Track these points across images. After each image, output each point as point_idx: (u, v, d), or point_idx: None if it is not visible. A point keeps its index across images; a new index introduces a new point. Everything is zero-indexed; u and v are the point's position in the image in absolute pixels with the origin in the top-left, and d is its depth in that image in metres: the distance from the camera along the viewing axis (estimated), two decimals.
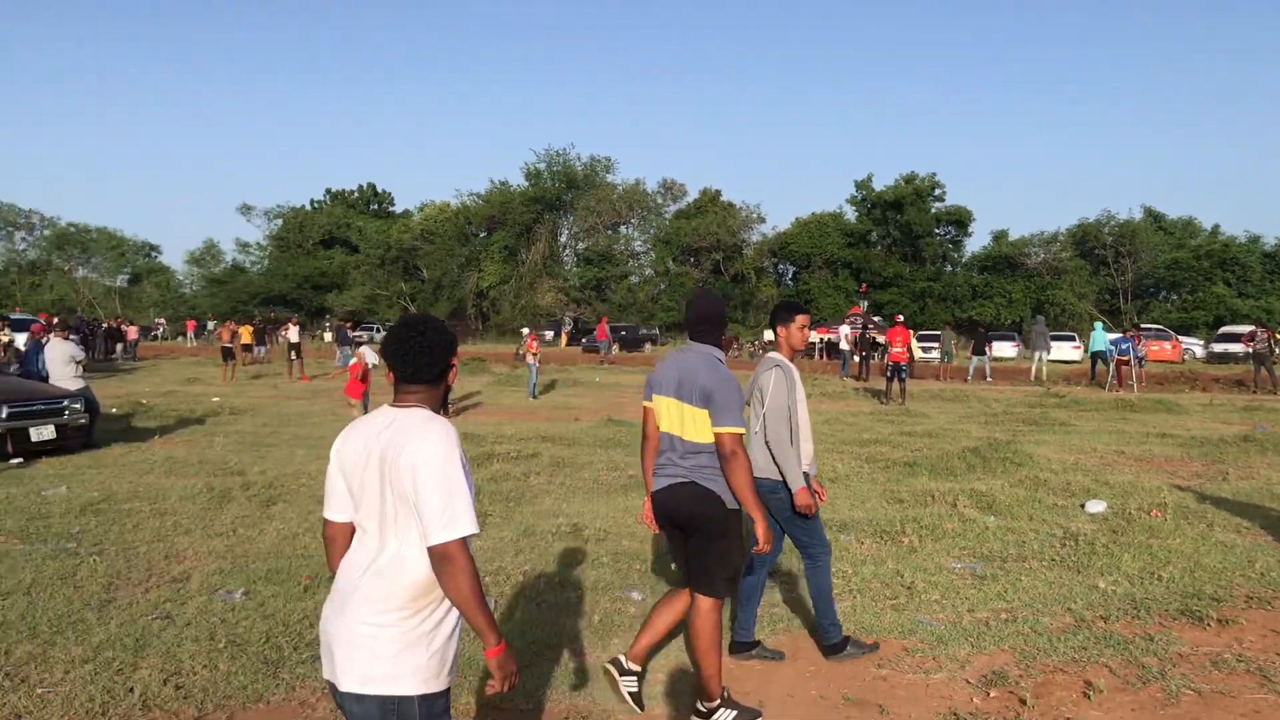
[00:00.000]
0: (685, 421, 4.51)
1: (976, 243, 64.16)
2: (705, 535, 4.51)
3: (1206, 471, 11.95)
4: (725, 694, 4.68)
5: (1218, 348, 40.85)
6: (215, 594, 6.37)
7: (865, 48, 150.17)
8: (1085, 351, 33.51)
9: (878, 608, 6.46)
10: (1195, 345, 44.41)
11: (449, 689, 2.78)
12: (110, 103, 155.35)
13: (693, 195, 68.96)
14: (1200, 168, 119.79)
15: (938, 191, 60.76)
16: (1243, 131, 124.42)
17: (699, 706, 4.66)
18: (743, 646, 5.58)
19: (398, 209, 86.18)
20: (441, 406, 2.96)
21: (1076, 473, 11.36)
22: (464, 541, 2.62)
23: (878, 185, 62.29)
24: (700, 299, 4.79)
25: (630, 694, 4.72)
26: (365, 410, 16.36)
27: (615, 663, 4.77)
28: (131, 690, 4.76)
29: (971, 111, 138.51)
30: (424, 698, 2.67)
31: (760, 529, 4.49)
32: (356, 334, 42.60)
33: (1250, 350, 27.79)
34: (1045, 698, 4.92)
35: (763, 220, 66.67)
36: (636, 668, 4.78)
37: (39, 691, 4.74)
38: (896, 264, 60.51)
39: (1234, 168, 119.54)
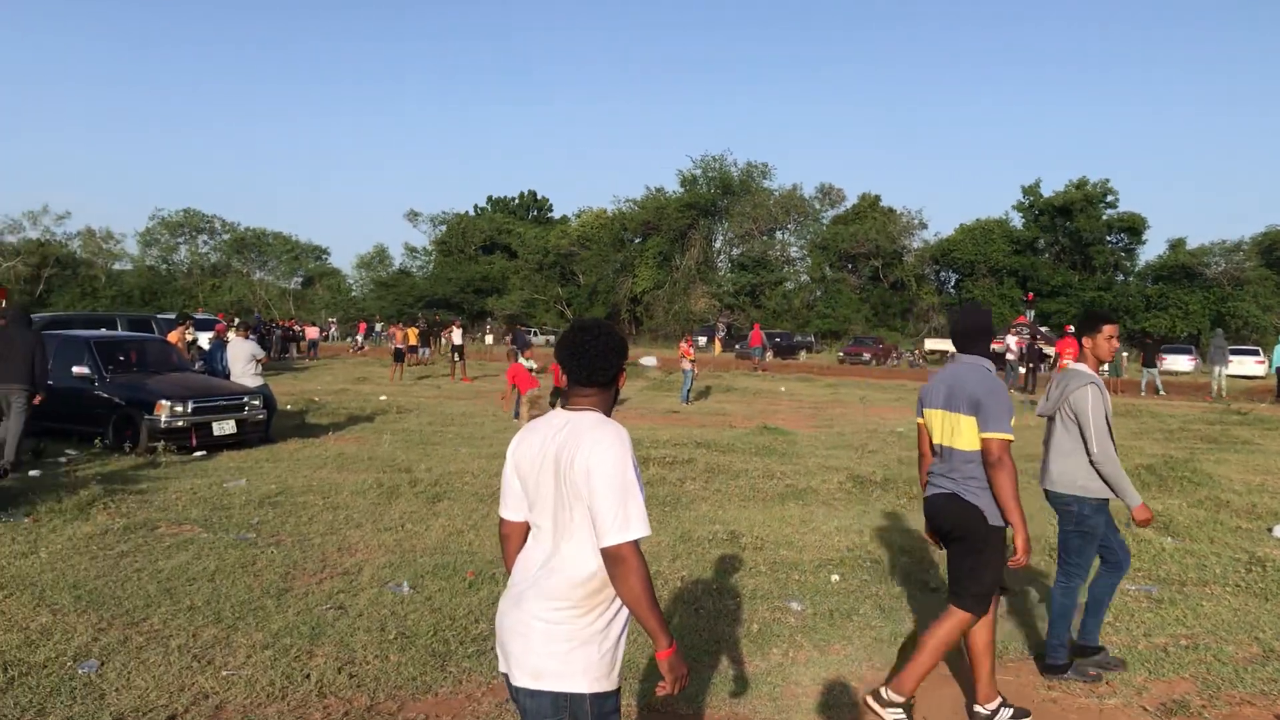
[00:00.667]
0: (954, 430, 4.61)
1: (1151, 251, 61.49)
2: (963, 548, 4.59)
3: None
4: (1003, 699, 4.75)
5: None
6: (385, 587, 6.59)
7: (1034, 46, 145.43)
8: (1269, 367, 31.64)
9: (1045, 626, 6.22)
10: None
11: (619, 689, 2.80)
12: (286, 111, 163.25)
13: (851, 200, 68.15)
14: None
15: (1110, 198, 58.31)
16: None
17: (976, 708, 4.74)
18: (1057, 669, 5.38)
19: (556, 215, 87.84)
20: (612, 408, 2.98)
21: (1263, 494, 10.72)
22: (636, 543, 2.63)
23: (1046, 191, 60.22)
24: (968, 312, 4.90)
25: (1015, 715, 4.71)
26: (516, 413, 16.78)
27: (975, 715, 4.76)
28: (308, 677, 4.97)
29: (1148, 113, 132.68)
30: (596, 696, 2.69)
31: (1020, 539, 4.45)
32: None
33: None
34: None
35: (924, 226, 65.35)
36: (994, 705, 4.73)
37: (224, 674, 4.99)
38: (1065, 272, 58.32)
39: None
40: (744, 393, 26.09)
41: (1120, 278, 59.99)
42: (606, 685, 2.72)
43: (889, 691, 4.65)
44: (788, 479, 11.25)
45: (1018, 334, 30.14)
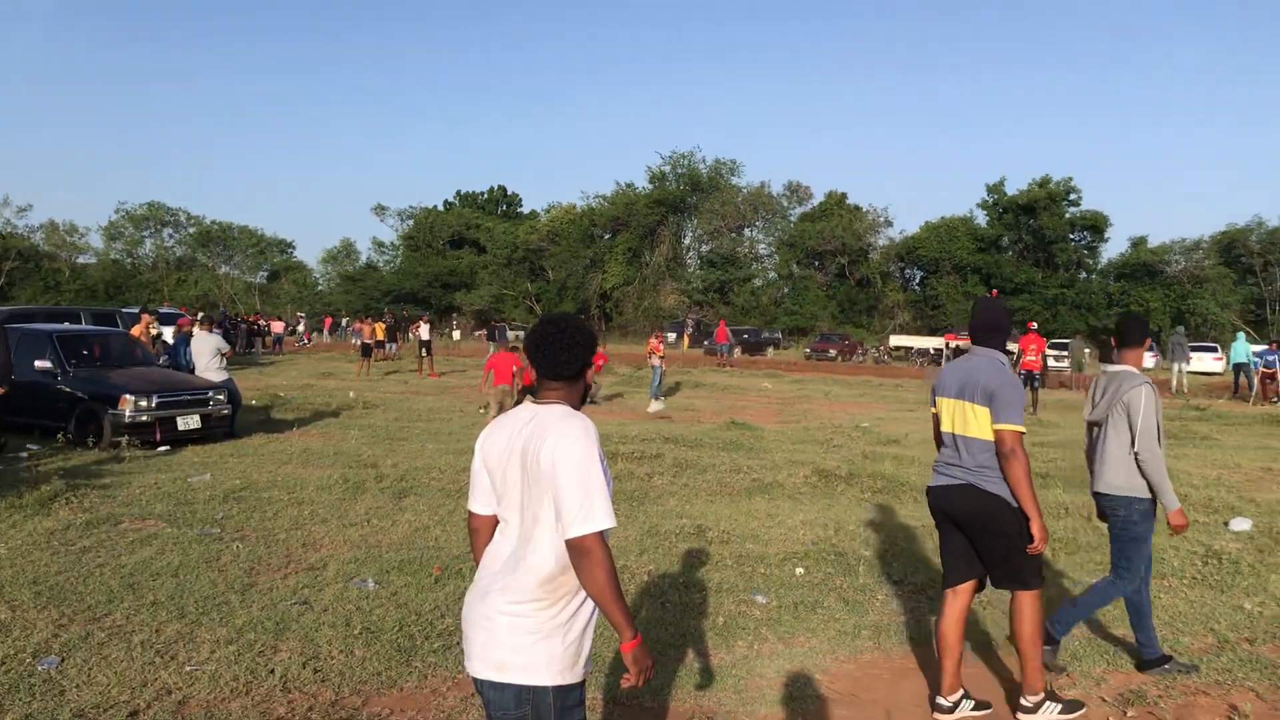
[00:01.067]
0: (967, 419, 4.72)
1: (1113, 249, 62.02)
2: (998, 535, 4.66)
3: None
4: (1049, 688, 4.84)
5: None
6: (350, 582, 6.57)
7: (999, 46, 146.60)
8: (1228, 363, 32.11)
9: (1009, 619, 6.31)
10: None
11: (583, 682, 2.82)
12: (252, 104, 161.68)
13: (818, 198, 68.35)
14: None
15: (1073, 196, 58.82)
16: None
17: (1023, 701, 4.80)
18: (1154, 663, 5.46)
19: (525, 211, 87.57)
20: (581, 402, 3.00)
21: (1220, 488, 10.90)
22: (601, 535, 2.65)
23: (1010, 189, 60.65)
24: (986, 306, 5.04)
25: (974, 708, 4.85)
26: (486, 406, 16.76)
27: (938, 708, 4.85)
28: (273, 672, 4.96)
29: (1110, 113, 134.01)
30: (559, 689, 2.71)
31: (1036, 527, 4.55)
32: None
33: None
34: None
35: (890, 224, 65.67)
36: (957, 695, 4.84)
37: (187, 669, 4.96)
38: (1028, 270, 58.84)
39: None
40: (712, 388, 26.17)
41: (1083, 275, 60.56)
42: (570, 678, 2.74)
43: (1027, 697, 4.76)
44: (754, 473, 11.32)
45: None
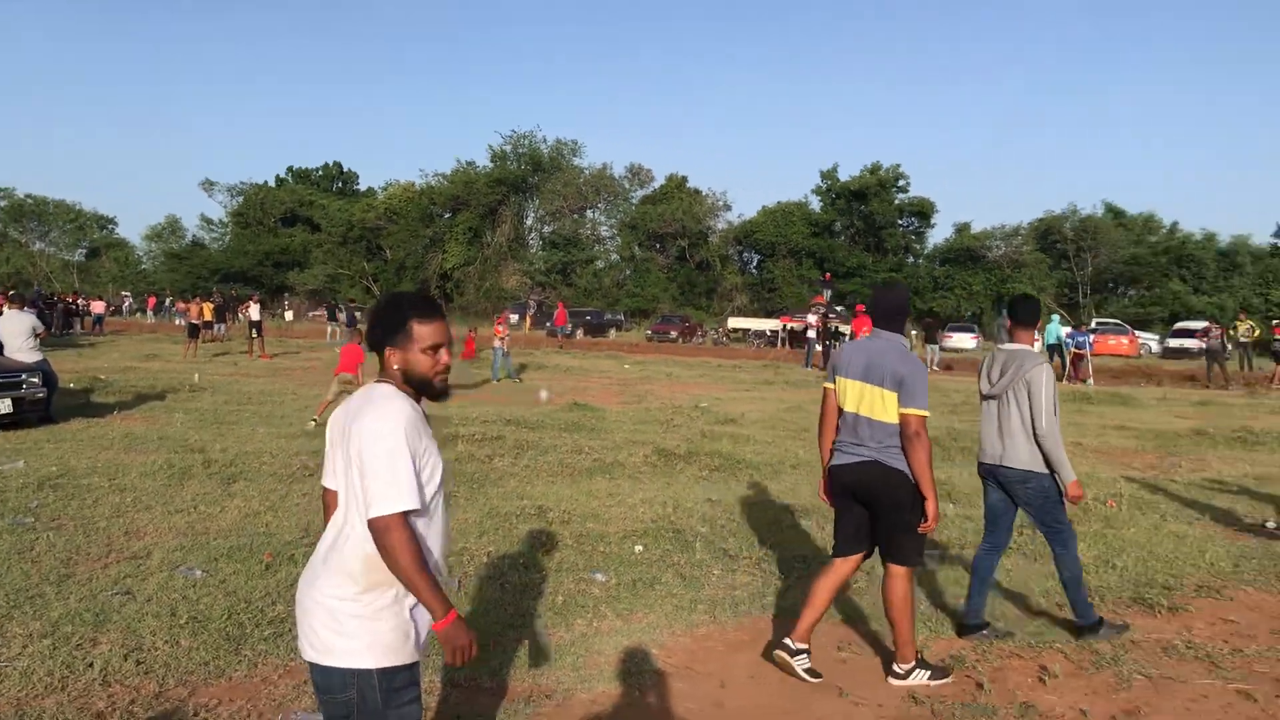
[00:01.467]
0: (874, 402, 4.91)
1: (939, 235, 64.40)
2: (895, 510, 4.89)
3: (1160, 463, 12.18)
4: (920, 656, 5.05)
5: (1173, 343, 42.04)
6: (176, 571, 6.32)
7: (832, 37, 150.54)
8: (1043, 345, 33.94)
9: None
10: (1151, 340, 45.39)
11: (415, 664, 2.79)
12: (71, 71, 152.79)
13: (659, 181, 68.83)
14: (1162, 164, 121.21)
15: (902, 183, 60.95)
16: (1204, 130, 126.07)
17: (895, 668, 5.02)
18: (973, 629, 5.75)
19: (362, 188, 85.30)
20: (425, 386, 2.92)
21: None
22: (404, 516, 2.61)
23: (843, 175, 62.44)
24: (889, 291, 5.25)
25: (806, 670, 5.02)
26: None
27: (783, 646, 5.06)
28: (91, 665, 4.74)
29: (937, 104, 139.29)
30: (384, 671, 2.67)
31: (931, 506, 4.81)
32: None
33: (1204, 346, 28.37)
34: (1001, 682, 5.02)
35: (728, 208, 66.54)
36: (804, 645, 5.05)
37: None
38: (860, 254, 60.70)
39: (1193, 165, 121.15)
40: (554, 370, 26.14)
41: (910, 259, 62.81)
42: (396, 660, 2.70)
43: (900, 665, 5.00)
44: (596, 454, 11.38)
45: (816, 313, 31.28)
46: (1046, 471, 5.60)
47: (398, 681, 2.71)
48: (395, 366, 2.81)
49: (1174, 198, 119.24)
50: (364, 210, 71.44)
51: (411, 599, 2.73)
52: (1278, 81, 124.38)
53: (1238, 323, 31.46)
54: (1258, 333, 31.73)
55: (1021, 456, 5.60)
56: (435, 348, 2.81)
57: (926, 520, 4.84)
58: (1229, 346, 29.24)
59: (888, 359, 4.91)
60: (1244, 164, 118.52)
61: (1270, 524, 8.77)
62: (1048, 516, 5.67)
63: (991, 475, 5.81)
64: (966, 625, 5.79)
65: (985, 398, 5.88)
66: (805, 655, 5.04)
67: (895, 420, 4.85)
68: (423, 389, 2.84)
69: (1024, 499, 5.69)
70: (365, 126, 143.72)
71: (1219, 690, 4.97)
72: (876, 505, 4.96)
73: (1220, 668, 5.27)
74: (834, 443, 5.14)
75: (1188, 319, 47.19)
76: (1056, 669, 5.14)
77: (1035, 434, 5.53)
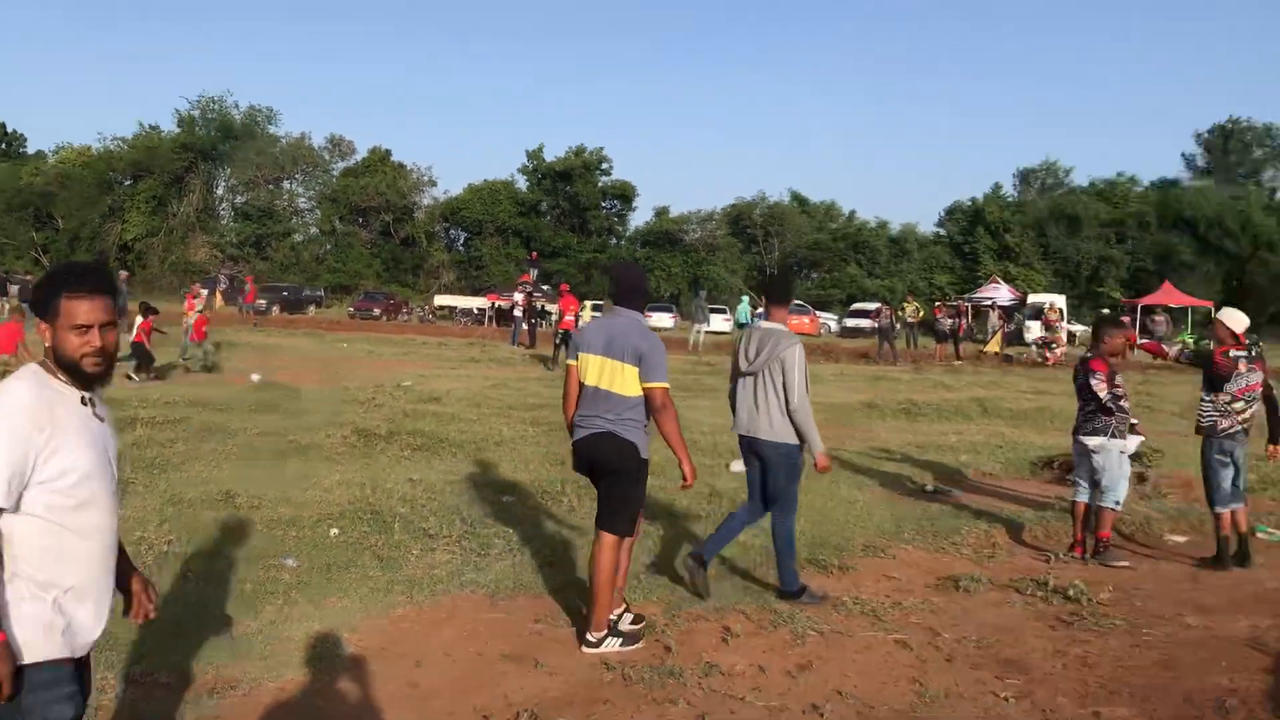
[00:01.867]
0: (615, 377, 5.12)
1: (640, 218, 66.39)
2: (615, 480, 5.13)
3: (835, 434, 13.11)
4: (612, 624, 5.18)
5: (849, 323, 45.69)
6: None
7: (537, 15, 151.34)
8: (735, 324, 35.79)
9: (537, 564, 6.65)
10: (831, 320, 49.12)
11: (60, 660, 2.58)
12: None
13: (362, 154, 66.83)
14: (843, 156, 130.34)
15: (605, 165, 62.28)
16: (878, 127, 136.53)
17: (589, 636, 5.12)
18: (794, 594, 6.02)
19: (30, 151, 77.55)
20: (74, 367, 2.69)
21: (724, 434, 12.08)
22: None
23: (549, 156, 63.03)
24: (627, 270, 5.63)
25: (632, 622, 5.35)
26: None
27: (586, 643, 5.22)
28: None
29: (641, 90, 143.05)
30: (24, 668, 2.50)
31: (687, 467, 5.17)
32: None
33: (876, 326, 30.90)
34: (688, 644, 5.28)
35: (434, 184, 65.56)
36: (615, 615, 5.27)
37: None
38: (565, 234, 61.55)
39: (869, 159, 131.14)
40: (247, 348, 24.87)
41: (614, 241, 64.41)
42: (39, 655, 2.52)
43: (593, 634, 5.10)
44: (290, 435, 10.98)
45: (523, 291, 31.45)
46: (797, 443, 5.98)
47: (40, 679, 2.52)
48: (46, 344, 2.61)
49: (851, 188, 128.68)
50: (31, 174, 64.99)
51: (53, 591, 2.55)
52: (944, 89, 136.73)
53: (905, 304, 34.41)
54: (922, 313, 34.75)
55: (776, 428, 5.94)
56: (84, 327, 2.59)
57: (685, 481, 5.17)
58: (897, 326, 31.90)
59: (630, 335, 5.15)
60: (912, 161, 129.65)
61: (929, 487, 9.70)
62: (785, 482, 6.04)
63: (750, 448, 6.14)
64: (693, 553, 6.20)
65: (743, 374, 6.16)
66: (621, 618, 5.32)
67: (636, 394, 5.10)
68: (71, 371, 2.62)
69: (773, 463, 6.01)
70: (36, 85, 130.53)
71: (880, 641, 5.46)
72: (605, 474, 5.20)
73: (882, 621, 5.79)
74: (574, 417, 5.31)
75: (863, 300, 51.31)
76: (738, 629, 5.47)
77: (788, 408, 5.89)
